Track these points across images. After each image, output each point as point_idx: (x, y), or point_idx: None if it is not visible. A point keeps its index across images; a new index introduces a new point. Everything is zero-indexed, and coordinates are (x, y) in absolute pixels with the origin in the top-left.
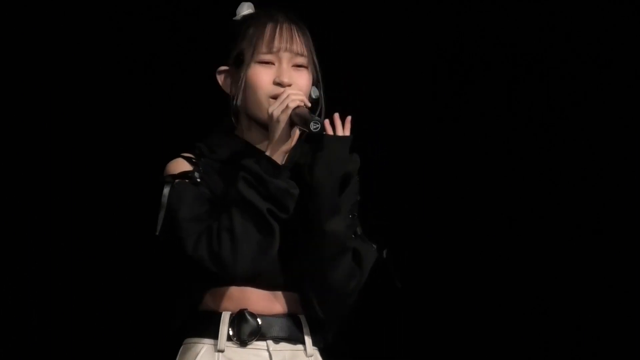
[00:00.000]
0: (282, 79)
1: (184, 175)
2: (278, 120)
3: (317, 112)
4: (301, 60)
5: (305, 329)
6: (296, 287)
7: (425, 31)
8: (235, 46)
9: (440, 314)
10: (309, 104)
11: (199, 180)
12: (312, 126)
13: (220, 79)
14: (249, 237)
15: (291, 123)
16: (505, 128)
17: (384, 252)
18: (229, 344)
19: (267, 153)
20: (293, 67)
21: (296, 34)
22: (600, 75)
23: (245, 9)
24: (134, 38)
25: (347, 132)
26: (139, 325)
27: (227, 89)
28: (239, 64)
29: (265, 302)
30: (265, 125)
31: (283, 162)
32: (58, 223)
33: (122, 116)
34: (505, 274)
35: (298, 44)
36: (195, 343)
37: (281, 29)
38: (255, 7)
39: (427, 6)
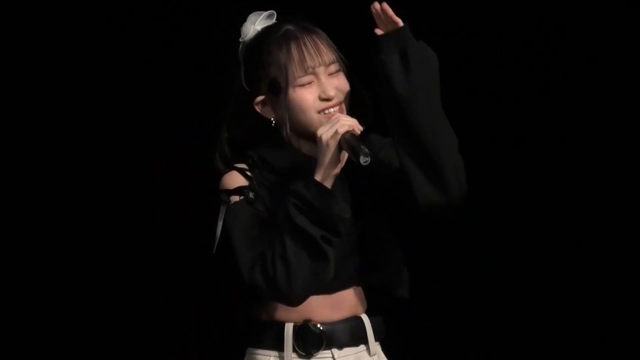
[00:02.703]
0: (329, 94)
1: (239, 191)
2: (327, 145)
3: (366, 116)
4: (334, 67)
5: (368, 327)
6: (355, 284)
7: (425, 30)
8: (262, 74)
9: (440, 313)
10: (360, 128)
11: (252, 196)
12: (362, 159)
13: (258, 108)
14: (303, 264)
15: (340, 147)
16: (504, 128)
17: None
18: (294, 355)
19: (316, 177)
20: (330, 76)
21: (320, 43)
22: (600, 75)
23: (250, 29)
24: (134, 38)
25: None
26: (139, 325)
27: (269, 116)
28: (275, 91)
29: (326, 309)
30: (315, 138)
31: (331, 185)
32: (58, 223)
33: (121, 116)
34: (506, 274)
35: (326, 54)
36: (260, 355)
37: (306, 45)
38: (257, 17)
39: (427, 6)
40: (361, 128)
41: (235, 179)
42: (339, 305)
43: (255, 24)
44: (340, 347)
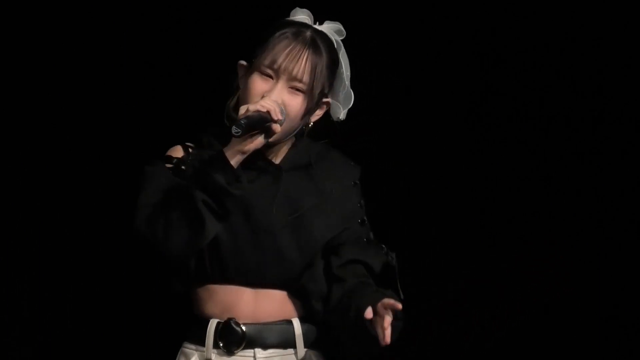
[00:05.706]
0: (270, 97)
1: (169, 159)
2: None
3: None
4: (298, 85)
5: (298, 332)
6: (287, 286)
7: (425, 30)
8: (258, 46)
9: (441, 313)
10: (279, 117)
11: (182, 167)
12: (233, 130)
13: (239, 70)
14: (180, 222)
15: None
16: (503, 129)
17: (393, 258)
18: (215, 351)
19: (225, 149)
20: (290, 89)
21: (305, 58)
22: (599, 75)
23: (298, 14)
24: (134, 38)
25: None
26: (139, 326)
27: (240, 82)
28: (250, 65)
29: (252, 308)
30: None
31: (236, 160)
32: (57, 223)
33: (121, 116)
34: (506, 274)
35: (301, 69)
36: (188, 349)
37: (292, 48)
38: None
39: (427, 6)
40: (280, 118)
41: (176, 151)
42: (268, 306)
43: (305, 15)
44: (264, 348)
